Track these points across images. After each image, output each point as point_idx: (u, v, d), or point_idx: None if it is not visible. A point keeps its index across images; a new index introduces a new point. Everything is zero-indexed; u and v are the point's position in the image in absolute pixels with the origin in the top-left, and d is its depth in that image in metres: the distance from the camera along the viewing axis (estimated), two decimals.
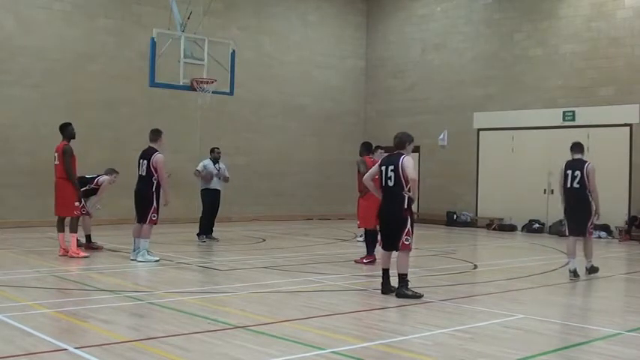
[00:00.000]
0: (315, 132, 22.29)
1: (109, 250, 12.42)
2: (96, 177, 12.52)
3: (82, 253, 11.34)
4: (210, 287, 8.97)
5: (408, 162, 8.28)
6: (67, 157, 11.24)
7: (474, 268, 11.54)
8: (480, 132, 20.66)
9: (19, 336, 5.99)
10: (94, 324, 6.59)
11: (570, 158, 10.72)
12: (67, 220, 11.60)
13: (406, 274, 8.25)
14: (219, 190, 14.61)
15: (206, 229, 14.43)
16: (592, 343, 6.28)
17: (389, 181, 8.33)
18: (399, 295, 8.19)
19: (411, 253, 13.34)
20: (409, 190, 8.23)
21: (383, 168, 8.43)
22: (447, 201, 20.98)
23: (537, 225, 18.79)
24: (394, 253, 8.49)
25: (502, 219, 19.70)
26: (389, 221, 8.41)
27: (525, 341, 6.30)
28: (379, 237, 8.75)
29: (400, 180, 8.25)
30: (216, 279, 9.66)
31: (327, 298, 8.38)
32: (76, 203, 11.32)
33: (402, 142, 8.50)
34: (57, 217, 11.62)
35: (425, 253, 13.22)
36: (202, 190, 14.58)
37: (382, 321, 7.05)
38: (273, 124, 21.48)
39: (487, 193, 20.37)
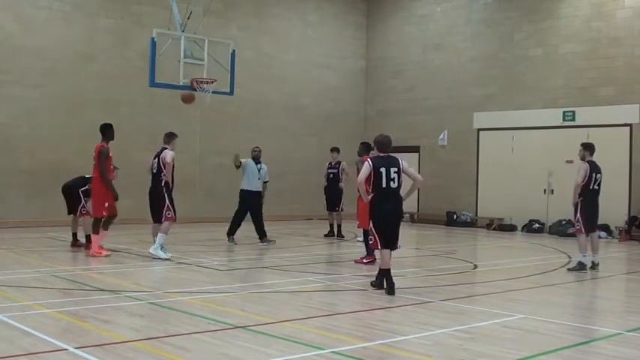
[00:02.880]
0: (315, 132, 22.28)
1: (109, 250, 12.39)
2: None
3: (104, 252, 11.38)
4: (210, 287, 8.96)
5: (407, 165, 8.83)
6: (102, 157, 11.27)
7: (474, 268, 11.54)
8: (480, 132, 20.66)
9: (19, 336, 5.99)
10: (94, 324, 6.59)
11: (588, 159, 11.19)
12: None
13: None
14: (258, 192, 14.33)
15: (232, 230, 14.12)
16: (592, 343, 6.28)
17: (392, 182, 8.55)
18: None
19: (412, 253, 13.38)
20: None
21: (383, 170, 8.53)
22: (447, 201, 20.98)
23: (537, 225, 18.79)
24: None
25: (502, 219, 19.70)
26: (396, 221, 8.73)
27: (525, 341, 6.30)
28: (378, 238, 8.66)
29: (401, 182, 8.64)
30: (216, 279, 9.66)
31: (327, 298, 8.38)
32: (105, 204, 11.31)
33: (388, 145, 8.84)
34: (93, 218, 11.60)
35: (425, 253, 13.22)
36: (240, 190, 14.28)
37: (382, 321, 7.05)
38: (273, 124, 21.47)
39: (487, 193, 20.37)
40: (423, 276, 10.43)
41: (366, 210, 11.35)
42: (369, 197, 8.68)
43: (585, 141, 11.69)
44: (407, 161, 8.90)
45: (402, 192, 8.79)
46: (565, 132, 18.49)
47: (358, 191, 11.55)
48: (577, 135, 17.38)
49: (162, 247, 11.28)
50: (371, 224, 8.73)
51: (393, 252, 8.71)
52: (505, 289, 9.29)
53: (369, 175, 8.56)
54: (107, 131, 11.51)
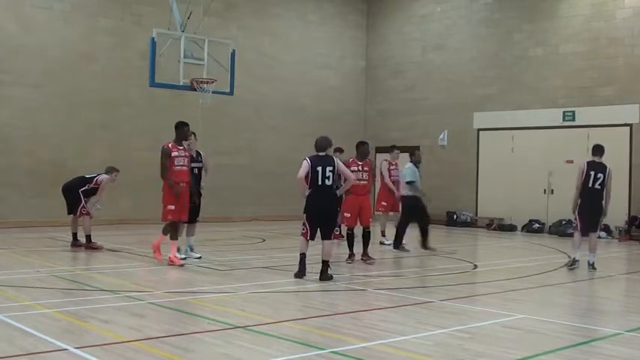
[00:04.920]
0: (315, 132, 21.87)
1: (109, 250, 12.41)
2: (95, 176, 12.49)
3: (179, 261, 10.52)
4: (210, 287, 8.96)
5: (343, 164, 9.76)
6: (162, 157, 10.52)
7: (474, 268, 11.54)
8: (480, 132, 20.66)
9: (19, 336, 5.98)
10: (94, 324, 6.59)
11: (590, 159, 11.24)
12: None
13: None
14: (415, 197, 13.42)
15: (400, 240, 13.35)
16: (592, 343, 6.28)
17: (327, 180, 9.40)
18: (325, 279, 9.33)
19: (413, 253, 13.38)
20: (337, 188, 9.71)
21: (319, 168, 9.37)
22: (447, 201, 20.95)
23: (537, 225, 18.79)
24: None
25: (502, 219, 19.69)
26: (327, 215, 9.51)
27: (525, 341, 6.30)
28: (309, 229, 9.47)
29: (335, 179, 9.50)
30: (216, 279, 9.66)
31: (327, 298, 8.38)
32: (169, 207, 10.46)
33: (326, 146, 9.63)
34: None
35: (425, 253, 13.22)
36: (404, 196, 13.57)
37: (382, 321, 7.04)
38: (273, 124, 21.47)
39: (487, 193, 20.36)
40: (423, 276, 10.43)
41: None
42: (307, 193, 9.43)
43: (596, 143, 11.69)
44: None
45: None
46: (565, 132, 18.49)
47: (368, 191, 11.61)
48: (577, 135, 17.41)
49: (177, 250, 11.11)
50: (305, 216, 9.48)
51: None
52: (505, 289, 9.29)
53: (307, 172, 9.35)
54: (179, 129, 10.75)
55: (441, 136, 21.43)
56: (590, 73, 18.32)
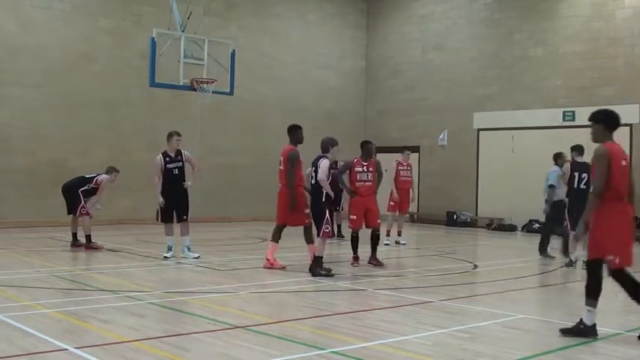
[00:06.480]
0: (315, 132, 22.03)
1: (109, 250, 12.41)
2: (95, 176, 12.48)
3: (279, 263, 10.43)
4: (210, 287, 8.97)
5: (324, 164, 10.11)
6: (290, 163, 10.29)
7: (474, 268, 11.53)
8: (480, 132, 20.66)
9: (19, 336, 5.98)
10: (94, 324, 6.59)
11: (570, 159, 11.55)
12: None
13: (322, 257, 9.94)
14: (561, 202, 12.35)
15: (544, 246, 12.86)
16: (592, 343, 6.27)
17: (311, 179, 10.21)
18: (314, 274, 9.68)
19: (412, 253, 13.40)
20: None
21: (313, 168, 10.22)
22: (447, 201, 20.97)
23: (537, 225, 18.77)
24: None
25: (502, 219, 19.69)
26: (314, 213, 10.16)
27: (525, 341, 6.30)
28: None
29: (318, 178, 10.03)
30: (216, 279, 9.66)
31: (327, 298, 8.38)
32: (306, 210, 10.30)
33: (326, 147, 10.33)
34: (275, 225, 10.84)
35: (425, 253, 13.22)
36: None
37: (382, 321, 7.04)
38: (273, 124, 21.43)
39: (487, 193, 20.36)
40: (423, 276, 10.43)
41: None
42: None
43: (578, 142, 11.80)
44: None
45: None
46: (565, 132, 18.46)
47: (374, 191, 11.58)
48: (577, 135, 17.30)
49: (169, 249, 11.50)
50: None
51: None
52: (505, 289, 9.29)
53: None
54: (293, 133, 10.49)
55: (441, 136, 21.44)
56: (590, 73, 18.32)
